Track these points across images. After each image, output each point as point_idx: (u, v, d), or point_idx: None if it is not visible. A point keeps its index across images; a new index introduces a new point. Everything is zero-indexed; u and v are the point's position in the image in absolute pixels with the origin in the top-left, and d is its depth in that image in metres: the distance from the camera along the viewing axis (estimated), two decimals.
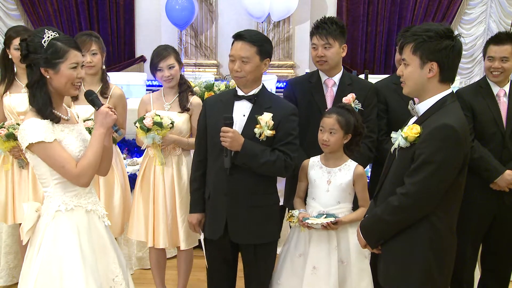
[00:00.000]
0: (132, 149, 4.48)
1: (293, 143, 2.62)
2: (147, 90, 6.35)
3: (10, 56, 3.28)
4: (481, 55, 3.43)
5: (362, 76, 4.84)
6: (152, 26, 8.06)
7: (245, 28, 2.91)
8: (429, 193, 2.05)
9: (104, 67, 3.38)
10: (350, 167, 2.70)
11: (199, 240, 2.86)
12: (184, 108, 3.17)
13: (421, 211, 2.10)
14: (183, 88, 3.22)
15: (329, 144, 2.65)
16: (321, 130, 2.68)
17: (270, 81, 6.24)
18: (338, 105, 2.77)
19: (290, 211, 2.75)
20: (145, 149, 3.24)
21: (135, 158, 4.37)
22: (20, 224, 2.35)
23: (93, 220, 2.31)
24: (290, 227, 2.89)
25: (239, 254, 2.77)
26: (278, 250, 2.84)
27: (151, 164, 3.16)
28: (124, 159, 4.06)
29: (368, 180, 2.89)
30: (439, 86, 2.13)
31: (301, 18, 7.79)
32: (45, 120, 2.17)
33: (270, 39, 7.61)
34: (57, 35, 2.19)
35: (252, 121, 2.58)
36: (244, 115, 2.61)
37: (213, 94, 4.24)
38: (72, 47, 2.21)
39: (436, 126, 2.04)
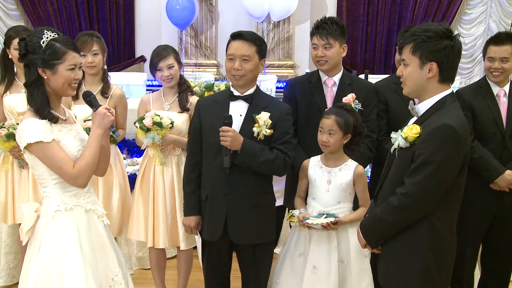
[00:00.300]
0: (132, 149, 4.49)
1: (290, 142, 2.64)
2: (147, 90, 6.35)
3: (10, 56, 3.28)
4: (481, 55, 3.43)
5: (362, 76, 4.84)
6: (152, 26, 8.07)
7: (246, 28, 2.92)
8: (429, 193, 2.05)
9: (105, 67, 3.38)
10: (350, 167, 2.70)
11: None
12: (183, 108, 3.17)
13: (421, 211, 2.10)
14: (183, 88, 3.22)
15: (328, 145, 2.66)
16: (320, 131, 2.68)
17: (270, 81, 6.24)
18: (337, 104, 2.77)
19: (290, 211, 2.75)
20: (145, 149, 3.24)
21: (135, 158, 4.38)
22: (20, 224, 2.35)
23: (93, 219, 2.31)
24: (290, 227, 2.89)
25: (234, 254, 2.76)
26: (278, 250, 2.85)
27: (151, 164, 3.16)
28: (124, 159, 4.06)
29: (368, 180, 2.89)
30: (439, 86, 2.13)
31: (301, 18, 7.80)
32: (43, 120, 2.17)
33: (270, 39, 7.70)
34: (56, 35, 2.19)
35: (249, 120, 2.58)
36: (240, 115, 2.61)
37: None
38: (71, 49, 2.20)
39: (436, 126, 2.04)
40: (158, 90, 3.34)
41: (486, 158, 3.00)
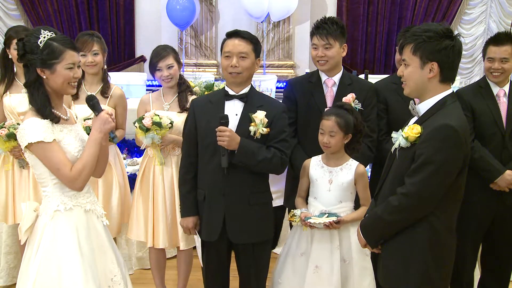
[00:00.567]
0: (132, 149, 4.49)
1: (287, 140, 2.64)
2: (147, 90, 6.34)
3: (10, 56, 3.28)
4: (481, 55, 3.42)
5: (362, 76, 4.84)
6: (152, 26, 8.06)
7: (246, 28, 2.92)
8: (429, 193, 2.05)
9: (105, 67, 3.39)
10: (351, 166, 2.70)
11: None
12: (183, 108, 3.17)
13: (421, 211, 2.10)
14: (182, 88, 3.22)
15: (330, 146, 2.66)
16: (321, 132, 2.68)
17: (270, 81, 6.23)
18: (336, 104, 2.77)
19: (292, 210, 2.76)
20: (144, 149, 3.24)
21: (135, 158, 4.37)
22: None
23: (92, 219, 2.31)
24: (291, 227, 2.89)
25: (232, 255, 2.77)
26: (278, 250, 2.85)
27: (151, 164, 3.16)
28: (124, 159, 4.06)
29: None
30: (440, 86, 2.12)
31: (301, 18, 7.79)
32: (45, 120, 2.17)
33: (270, 39, 7.70)
34: (53, 35, 2.19)
35: (245, 119, 2.58)
36: (236, 114, 2.61)
37: None
38: (68, 47, 2.20)
39: (436, 127, 2.04)
40: (158, 90, 3.34)
41: (486, 158, 3.00)
